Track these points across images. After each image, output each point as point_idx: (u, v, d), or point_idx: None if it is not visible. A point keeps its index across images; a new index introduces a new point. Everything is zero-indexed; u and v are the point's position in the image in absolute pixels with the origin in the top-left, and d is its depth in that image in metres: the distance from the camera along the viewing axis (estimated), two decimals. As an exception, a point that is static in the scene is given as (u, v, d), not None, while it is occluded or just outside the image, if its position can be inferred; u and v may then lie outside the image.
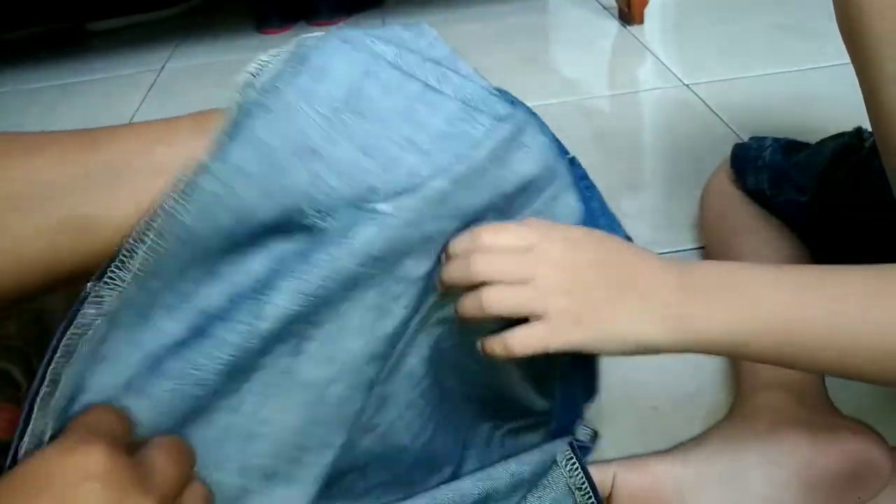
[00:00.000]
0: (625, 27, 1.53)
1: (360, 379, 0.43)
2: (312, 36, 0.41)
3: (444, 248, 0.44)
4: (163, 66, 1.61)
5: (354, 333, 0.41)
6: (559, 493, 0.53)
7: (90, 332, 0.38)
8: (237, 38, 1.72)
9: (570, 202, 0.48)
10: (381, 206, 0.39)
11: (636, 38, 1.48)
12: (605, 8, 1.63)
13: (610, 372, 0.69)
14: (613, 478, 0.56)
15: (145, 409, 0.38)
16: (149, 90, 1.49)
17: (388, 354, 0.44)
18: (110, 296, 0.38)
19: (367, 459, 0.48)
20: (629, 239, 0.50)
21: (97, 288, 0.38)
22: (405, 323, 0.44)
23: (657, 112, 1.20)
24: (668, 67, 1.33)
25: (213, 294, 0.40)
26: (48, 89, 1.57)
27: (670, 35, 1.52)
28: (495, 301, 0.44)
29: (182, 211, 0.38)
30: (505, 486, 0.51)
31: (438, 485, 0.51)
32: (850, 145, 0.72)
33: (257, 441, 0.41)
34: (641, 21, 1.52)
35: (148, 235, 0.38)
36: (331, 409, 0.42)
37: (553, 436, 0.55)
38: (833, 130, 0.76)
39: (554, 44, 1.57)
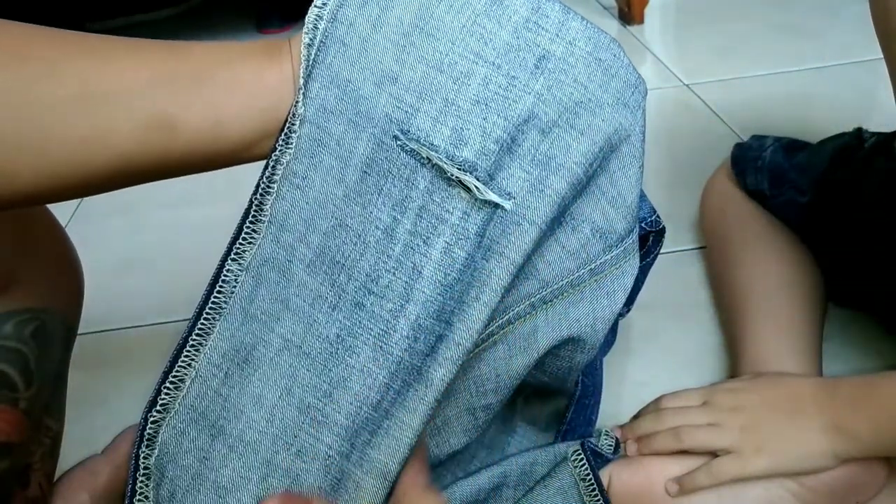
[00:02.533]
0: (625, 27, 1.53)
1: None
2: None
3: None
4: (163, 66, 1.61)
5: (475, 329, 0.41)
6: (564, 484, 0.54)
7: (237, 289, 0.41)
8: (237, 38, 1.72)
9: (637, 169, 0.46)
10: (493, 196, 0.39)
11: (636, 38, 1.48)
12: (605, 8, 1.63)
13: (610, 373, 0.69)
14: (609, 477, 0.56)
15: (304, 366, 0.40)
16: (149, 90, 1.49)
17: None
18: (249, 250, 0.41)
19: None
20: (654, 211, 0.54)
21: (238, 246, 0.41)
22: (488, 324, 0.44)
23: (657, 112, 1.20)
24: (668, 67, 1.33)
25: (346, 247, 0.40)
26: (48, 89, 1.57)
27: (670, 35, 1.52)
28: (690, 437, 0.56)
29: (289, 157, 0.40)
30: (515, 479, 0.54)
31: (457, 480, 0.52)
32: (850, 146, 0.72)
33: (376, 432, 0.41)
34: (641, 21, 1.52)
35: (270, 187, 0.40)
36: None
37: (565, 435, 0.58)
38: (833, 130, 0.76)
39: (554, 44, 1.57)
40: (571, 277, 0.45)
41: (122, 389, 0.75)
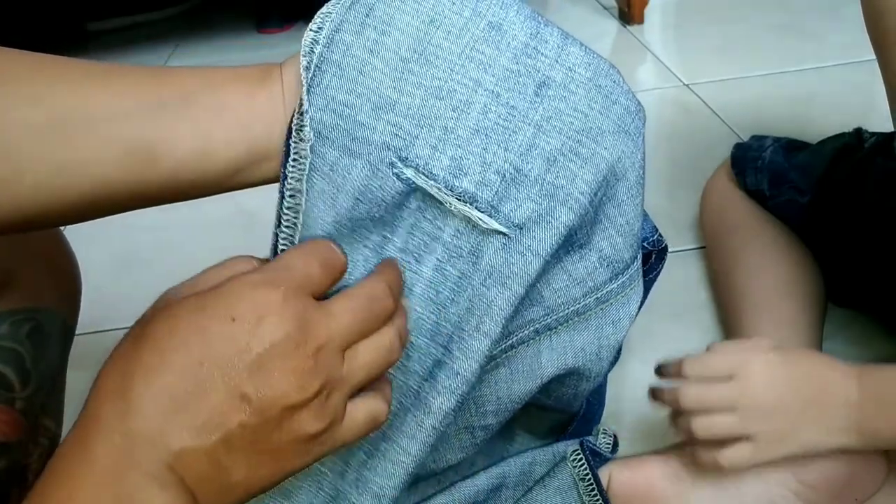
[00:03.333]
0: (625, 27, 1.53)
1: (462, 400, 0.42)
2: None
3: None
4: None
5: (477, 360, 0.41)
6: (563, 484, 0.54)
7: None
8: (237, 37, 1.72)
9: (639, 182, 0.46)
10: (497, 226, 0.39)
11: (636, 38, 1.48)
12: (605, 8, 1.63)
13: (611, 373, 0.69)
14: (609, 477, 0.56)
15: None
16: (148, 90, 1.49)
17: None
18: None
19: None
20: (656, 230, 0.52)
21: None
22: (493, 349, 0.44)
23: (657, 112, 1.20)
24: (668, 67, 1.33)
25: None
26: (48, 89, 1.57)
27: (670, 35, 1.52)
28: (704, 429, 0.52)
29: (291, 182, 0.39)
30: (514, 479, 0.53)
31: (454, 483, 0.52)
32: (850, 146, 0.72)
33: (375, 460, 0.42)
34: (641, 21, 1.52)
35: (286, 216, 0.39)
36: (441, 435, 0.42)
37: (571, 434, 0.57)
38: (833, 130, 0.76)
39: (554, 44, 1.57)
40: (577, 306, 0.45)
41: (121, 389, 0.75)
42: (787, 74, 1.24)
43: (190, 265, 0.39)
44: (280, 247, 0.40)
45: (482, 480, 0.52)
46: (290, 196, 0.39)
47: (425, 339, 0.40)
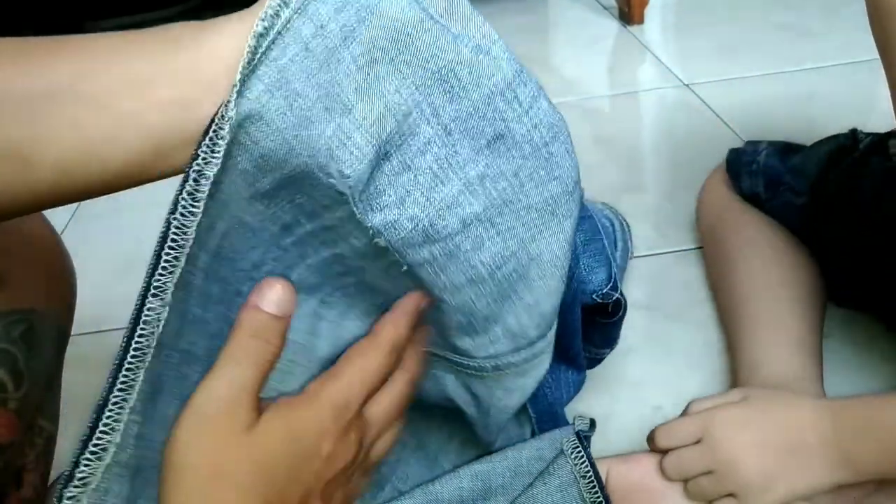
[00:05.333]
0: (625, 27, 1.53)
1: None
2: None
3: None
4: (163, 66, 1.61)
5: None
6: (564, 481, 0.54)
7: (160, 327, 0.35)
8: (237, 38, 1.72)
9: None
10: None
11: (636, 38, 1.48)
12: (605, 8, 1.63)
13: (610, 372, 0.69)
14: (607, 471, 0.56)
15: (195, 370, 0.39)
16: (148, 90, 1.49)
17: None
18: (169, 282, 0.34)
19: None
20: (611, 280, 0.52)
21: (158, 279, 0.34)
22: None
23: (657, 112, 1.20)
24: (668, 67, 1.32)
25: (239, 242, 0.37)
26: (48, 89, 1.56)
27: (670, 35, 1.51)
28: (695, 494, 0.54)
29: (211, 165, 0.32)
30: (504, 478, 0.53)
31: (434, 479, 0.52)
32: (845, 147, 0.72)
33: None
34: (641, 21, 1.52)
35: (196, 205, 0.33)
36: None
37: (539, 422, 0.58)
38: (833, 130, 0.76)
39: (554, 43, 1.57)
40: (475, 364, 0.45)
41: (121, 389, 0.75)
42: (787, 74, 1.24)
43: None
44: (171, 239, 0.34)
45: (466, 483, 0.52)
46: (195, 180, 0.33)
47: (303, 295, 0.41)
